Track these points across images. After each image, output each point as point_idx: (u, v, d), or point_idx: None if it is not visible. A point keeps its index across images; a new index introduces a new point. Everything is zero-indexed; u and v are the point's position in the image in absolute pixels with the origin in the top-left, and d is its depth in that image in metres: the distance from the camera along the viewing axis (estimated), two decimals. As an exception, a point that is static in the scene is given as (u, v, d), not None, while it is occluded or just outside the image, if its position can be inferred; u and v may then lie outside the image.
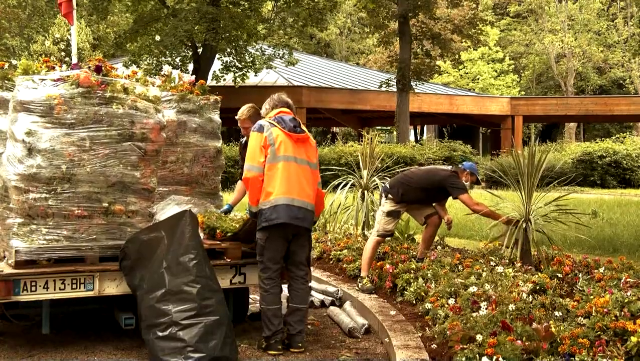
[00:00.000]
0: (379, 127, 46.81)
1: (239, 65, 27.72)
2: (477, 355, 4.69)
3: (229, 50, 27.31)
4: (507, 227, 7.66)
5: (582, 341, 4.68)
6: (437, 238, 9.38)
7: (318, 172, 6.16)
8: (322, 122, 43.66)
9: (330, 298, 7.61)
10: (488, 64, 50.84)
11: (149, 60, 26.52)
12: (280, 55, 29.25)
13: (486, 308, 5.73)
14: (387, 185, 8.13)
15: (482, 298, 6.04)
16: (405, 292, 7.08)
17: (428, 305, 6.37)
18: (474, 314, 5.63)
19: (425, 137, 50.74)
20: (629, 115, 37.49)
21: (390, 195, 7.96)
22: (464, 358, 4.71)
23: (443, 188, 7.87)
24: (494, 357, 4.57)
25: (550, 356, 4.58)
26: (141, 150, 5.81)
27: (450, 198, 7.99)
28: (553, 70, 53.09)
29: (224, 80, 27.95)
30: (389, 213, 7.95)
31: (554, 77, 54.06)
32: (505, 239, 7.69)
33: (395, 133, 32.77)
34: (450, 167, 8.25)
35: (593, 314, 5.32)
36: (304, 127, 6.07)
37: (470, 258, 7.81)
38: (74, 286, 5.54)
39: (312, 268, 7.10)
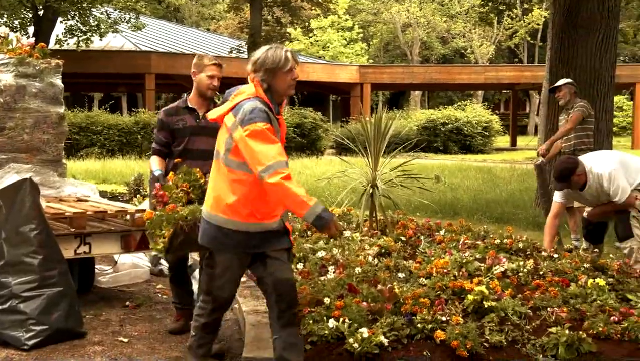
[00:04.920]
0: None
1: (83, 29, 26.66)
2: (325, 318, 4.78)
3: (72, 12, 26.17)
4: None
5: (424, 301, 4.86)
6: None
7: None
8: (173, 88, 42.79)
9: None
10: (338, 32, 51.52)
11: (-17, 20, 25.02)
12: (127, 19, 28.34)
13: (334, 272, 5.85)
14: None
15: (330, 263, 6.15)
16: (256, 258, 7.09)
17: (278, 271, 6.42)
18: (322, 278, 5.73)
19: (276, 104, 50.91)
20: (470, 83, 39.14)
21: None
22: (311, 321, 4.79)
23: None
24: (341, 319, 4.68)
25: (393, 316, 4.73)
26: (-25, 115, 5.50)
27: None
28: (400, 39, 54.46)
29: (68, 44, 26.82)
30: None
31: (400, 45, 55.50)
32: None
33: (246, 100, 32.65)
34: None
35: (434, 275, 5.54)
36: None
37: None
38: None
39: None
